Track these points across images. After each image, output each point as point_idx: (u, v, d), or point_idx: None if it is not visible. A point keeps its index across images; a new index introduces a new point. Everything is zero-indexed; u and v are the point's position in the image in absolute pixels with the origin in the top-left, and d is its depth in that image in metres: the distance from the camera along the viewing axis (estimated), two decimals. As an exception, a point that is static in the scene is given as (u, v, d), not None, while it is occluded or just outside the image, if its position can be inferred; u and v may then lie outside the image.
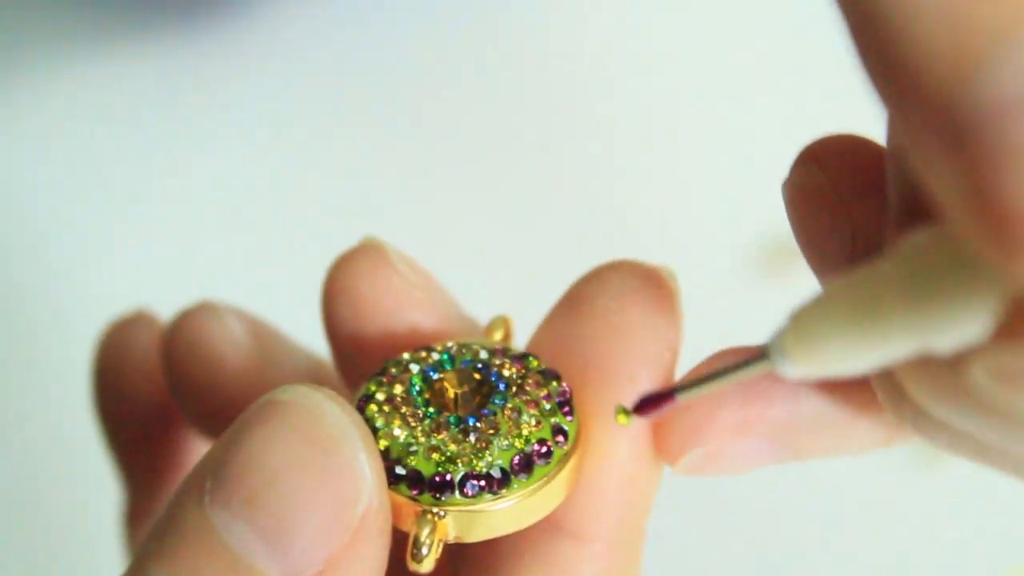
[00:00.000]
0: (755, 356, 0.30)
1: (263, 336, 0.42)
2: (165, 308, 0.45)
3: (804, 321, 0.29)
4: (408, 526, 0.33)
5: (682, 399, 0.32)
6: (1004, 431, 0.28)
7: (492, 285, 0.62)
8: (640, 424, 0.34)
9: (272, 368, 0.41)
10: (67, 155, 0.79)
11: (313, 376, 0.42)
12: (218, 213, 0.77)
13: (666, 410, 0.33)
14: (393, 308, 0.38)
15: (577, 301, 0.35)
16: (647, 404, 0.33)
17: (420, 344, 0.36)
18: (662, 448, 0.35)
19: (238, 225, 0.76)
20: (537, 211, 0.76)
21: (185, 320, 0.42)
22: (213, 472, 0.31)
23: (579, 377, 0.35)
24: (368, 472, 0.31)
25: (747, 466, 0.35)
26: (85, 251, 0.76)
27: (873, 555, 0.67)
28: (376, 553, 0.31)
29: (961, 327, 0.27)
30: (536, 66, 0.81)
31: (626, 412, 0.33)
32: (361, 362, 0.38)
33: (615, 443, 0.34)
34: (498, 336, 0.37)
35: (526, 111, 0.80)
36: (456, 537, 0.33)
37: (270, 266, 0.71)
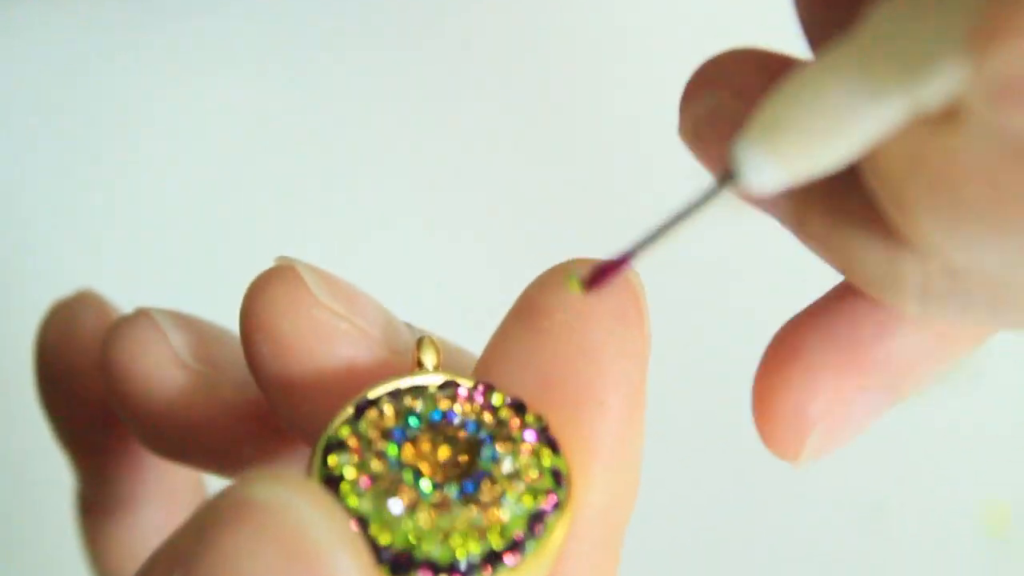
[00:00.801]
0: (714, 183, 0.28)
1: (208, 345, 0.38)
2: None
3: (773, 107, 0.26)
4: None
5: (641, 255, 0.30)
6: (1007, 232, 0.27)
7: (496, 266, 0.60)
8: (613, 447, 0.32)
9: (219, 388, 0.38)
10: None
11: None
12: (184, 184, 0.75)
13: (622, 275, 0.31)
14: (318, 347, 0.34)
15: (533, 315, 0.33)
16: (601, 274, 0.30)
17: (355, 383, 0.33)
18: (779, 448, 0.33)
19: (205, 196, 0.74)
20: (538, 190, 0.74)
21: (120, 334, 0.38)
22: (181, 566, 0.28)
23: (540, 404, 0.32)
24: None
25: (866, 424, 0.32)
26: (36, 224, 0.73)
27: (849, 493, 0.67)
28: None
29: (946, 59, 0.25)
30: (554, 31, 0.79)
31: (580, 283, 0.30)
32: (292, 407, 0.35)
33: (591, 476, 0.32)
34: (431, 361, 0.34)
35: (535, 77, 0.77)
36: None
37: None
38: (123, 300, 0.43)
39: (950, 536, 0.67)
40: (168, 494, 0.43)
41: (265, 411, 0.38)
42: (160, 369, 0.38)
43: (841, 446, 0.33)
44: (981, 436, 0.68)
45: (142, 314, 0.38)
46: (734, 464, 0.67)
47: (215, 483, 0.44)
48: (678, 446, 0.66)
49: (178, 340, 0.38)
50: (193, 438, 0.38)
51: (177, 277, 0.67)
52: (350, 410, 0.32)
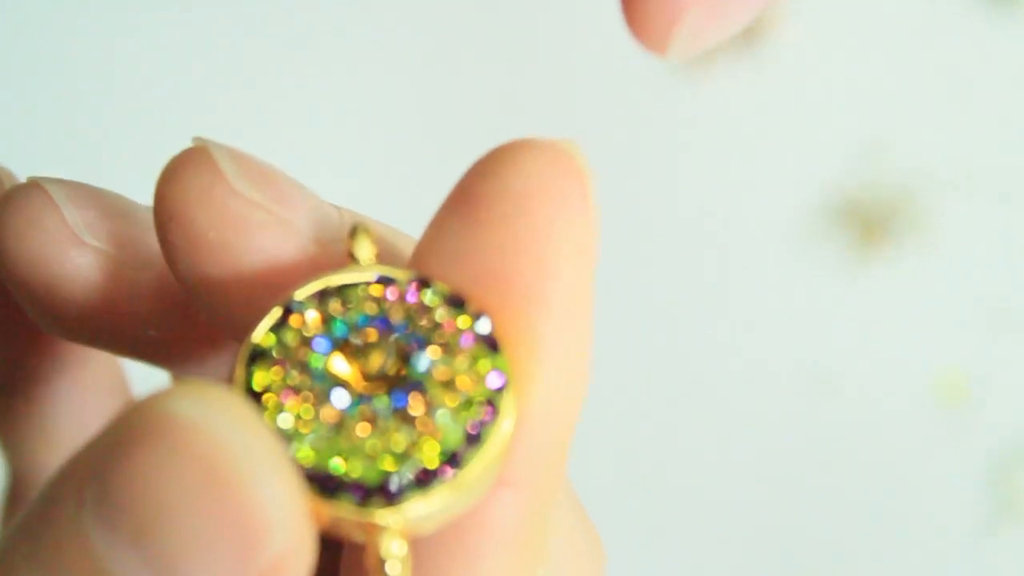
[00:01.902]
0: None
1: (112, 221, 0.35)
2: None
3: None
4: (355, 537, 0.28)
5: None
6: None
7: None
8: (558, 348, 0.30)
9: (124, 269, 0.34)
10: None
11: None
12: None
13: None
14: (236, 242, 0.31)
15: (471, 203, 0.30)
16: None
17: (280, 281, 0.30)
18: (647, 35, 0.30)
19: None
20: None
21: (7, 207, 0.34)
22: (96, 480, 0.26)
23: (479, 301, 0.30)
24: (282, 514, 0.26)
25: (744, 15, 0.30)
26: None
27: (804, 364, 0.66)
28: None
29: None
30: None
31: None
32: (212, 305, 0.32)
33: (536, 378, 0.30)
34: (365, 254, 0.31)
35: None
36: (412, 536, 0.28)
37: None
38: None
39: (903, 407, 0.66)
40: (83, 381, 0.41)
41: (185, 297, 0.35)
42: (52, 248, 0.34)
43: (714, 40, 0.30)
44: (934, 303, 0.67)
45: (33, 185, 0.34)
46: (679, 332, 0.66)
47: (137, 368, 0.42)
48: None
49: (75, 215, 0.34)
50: (97, 324, 0.35)
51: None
52: (276, 313, 0.29)
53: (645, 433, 0.65)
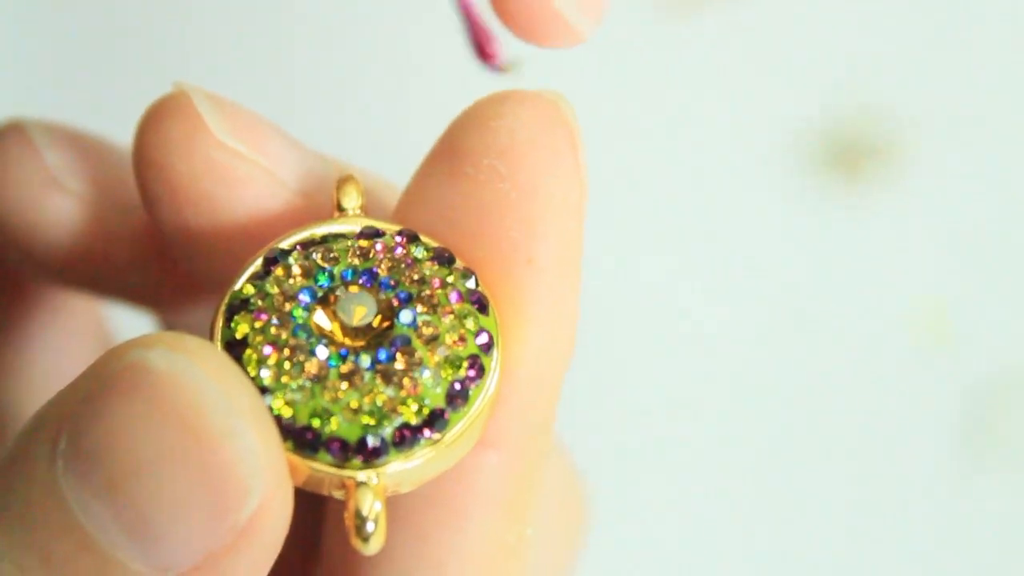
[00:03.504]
0: None
1: (94, 165, 0.34)
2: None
3: None
4: (333, 493, 0.28)
5: None
6: None
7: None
8: (545, 307, 0.29)
9: (105, 214, 0.34)
10: None
11: None
12: None
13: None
14: (217, 193, 0.30)
15: (457, 157, 0.29)
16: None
17: (262, 233, 0.30)
18: (524, 27, 0.29)
19: None
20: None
21: None
22: (69, 432, 0.25)
23: (466, 257, 0.29)
24: (260, 469, 0.25)
25: None
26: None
27: (782, 298, 0.65)
28: (268, 549, 0.26)
29: None
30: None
31: None
32: (192, 257, 0.31)
33: (523, 337, 0.29)
34: (352, 204, 0.30)
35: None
36: (391, 493, 0.28)
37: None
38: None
39: (882, 341, 0.66)
40: (63, 326, 0.40)
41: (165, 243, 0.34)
42: (32, 192, 0.33)
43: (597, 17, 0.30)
44: (914, 238, 0.67)
45: (13, 127, 0.34)
46: (657, 268, 0.66)
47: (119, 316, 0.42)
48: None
49: (55, 158, 0.34)
50: (77, 269, 0.35)
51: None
52: (258, 263, 0.29)
53: (626, 367, 0.65)
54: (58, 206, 0.34)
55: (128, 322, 0.40)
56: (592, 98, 0.65)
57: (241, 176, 0.30)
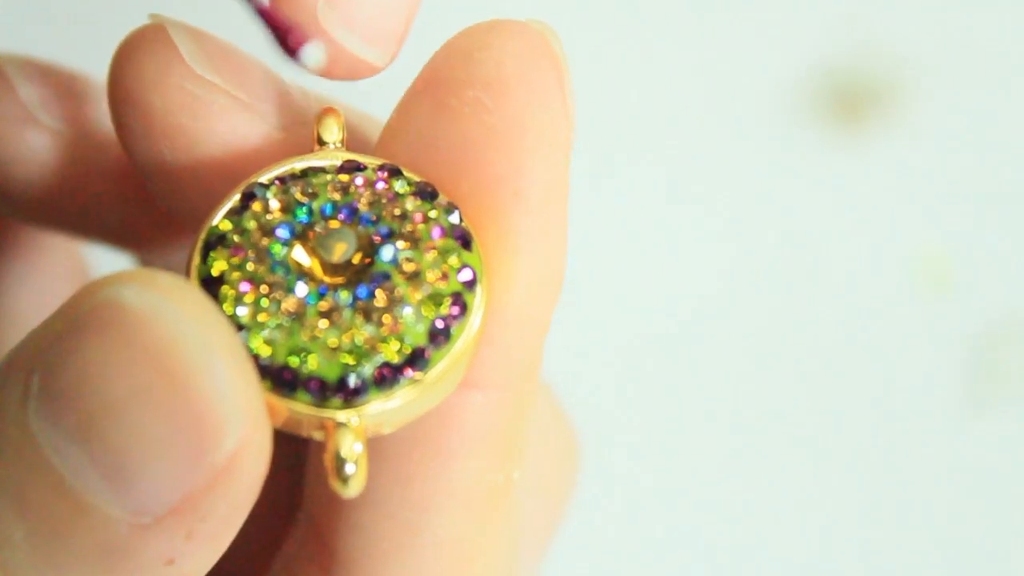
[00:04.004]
0: None
1: (70, 99, 0.34)
2: None
3: None
4: (313, 435, 0.27)
5: None
6: None
7: None
8: (531, 242, 0.28)
9: (81, 150, 0.33)
10: None
11: None
12: None
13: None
14: (194, 127, 0.29)
15: (441, 89, 0.28)
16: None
17: (241, 168, 0.29)
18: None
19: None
20: None
21: None
22: (41, 371, 0.25)
23: (451, 192, 0.28)
24: (237, 408, 0.25)
25: None
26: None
27: (785, 244, 0.65)
28: (247, 490, 0.25)
29: None
30: None
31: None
32: (169, 193, 0.31)
33: (508, 273, 0.28)
34: (332, 137, 0.29)
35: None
36: (373, 434, 0.27)
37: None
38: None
39: (886, 287, 0.65)
40: (41, 266, 0.39)
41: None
42: (6, 127, 0.33)
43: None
44: (918, 184, 0.66)
45: None
46: (659, 215, 0.65)
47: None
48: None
49: (30, 93, 0.33)
50: (54, 207, 0.34)
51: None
52: (236, 198, 0.28)
53: (621, 315, 0.64)
54: (33, 142, 0.33)
55: (107, 262, 0.39)
56: (588, 46, 0.65)
57: (218, 110, 0.29)
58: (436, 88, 0.29)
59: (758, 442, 0.64)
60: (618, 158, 0.65)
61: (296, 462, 0.33)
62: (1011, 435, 0.64)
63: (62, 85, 0.34)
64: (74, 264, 0.40)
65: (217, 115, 0.30)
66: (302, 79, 0.30)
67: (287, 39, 0.26)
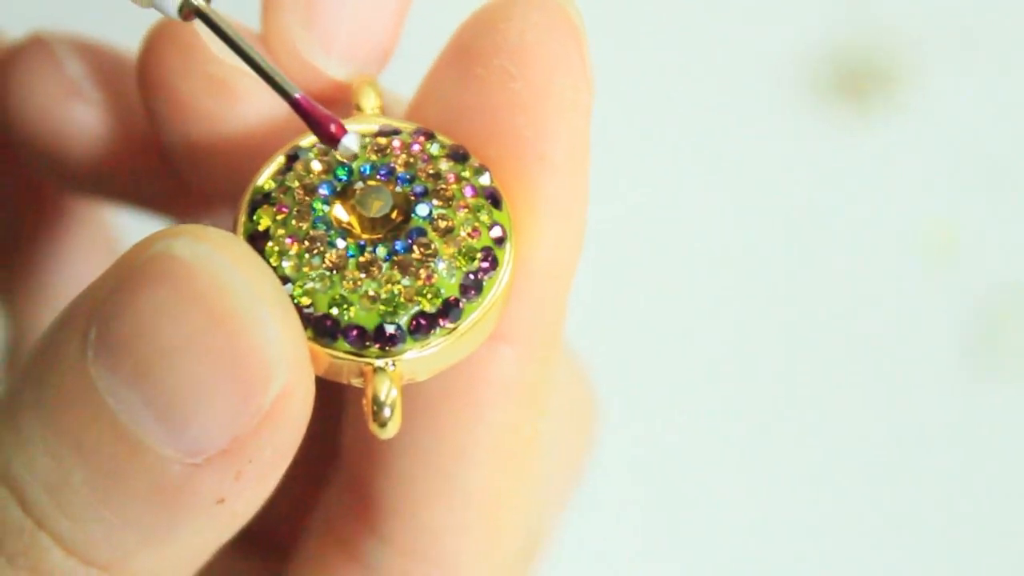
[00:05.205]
0: None
1: (112, 74, 0.35)
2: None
3: None
4: (352, 381, 0.28)
5: None
6: None
7: None
8: (556, 202, 0.30)
9: (124, 120, 0.35)
10: None
11: None
12: None
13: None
14: (219, 108, 0.31)
15: (468, 59, 0.30)
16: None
17: (272, 141, 0.30)
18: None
19: None
20: None
21: (12, 66, 0.35)
22: (98, 323, 0.26)
23: (480, 154, 0.30)
24: (283, 354, 0.26)
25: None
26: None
27: (792, 219, 0.66)
28: (292, 433, 0.27)
29: None
30: None
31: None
32: (203, 173, 0.32)
33: (535, 231, 0.30)
34: (369, 104, 0.31)
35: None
36: (408, 381, 0.28)
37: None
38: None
39: (891, 260, 0.66)
40: (80, 241, 0.41)
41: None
42: (56, 101, 0.34)
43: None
44: (922, 159, 0.67)
45: (35, 41, 0.35)
46: (668, 191, 0.66)
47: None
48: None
49: (76, 68, 0.35)
50: (100, 175, 0.35)
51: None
52: (280, 160, 0.29)
53: (638, 289, 0.65)
54: (80, 114, 0.35)
55: (136, 231, 0.40)
56: (596, 30, 0.66)
57: (241, 91, 0.31)
58: (463, 57, 0.30)
59: (762, 406, 0.65)
60: (626, 139, 0.66)
61: (334, 416, 0.34)
62: (1011, 401, 0.65)
63: (104, 60, 0.35)
64: (107, 232, 0.42)
65: (240, 95, 0.31)
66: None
67: (325, 129, 0.28)
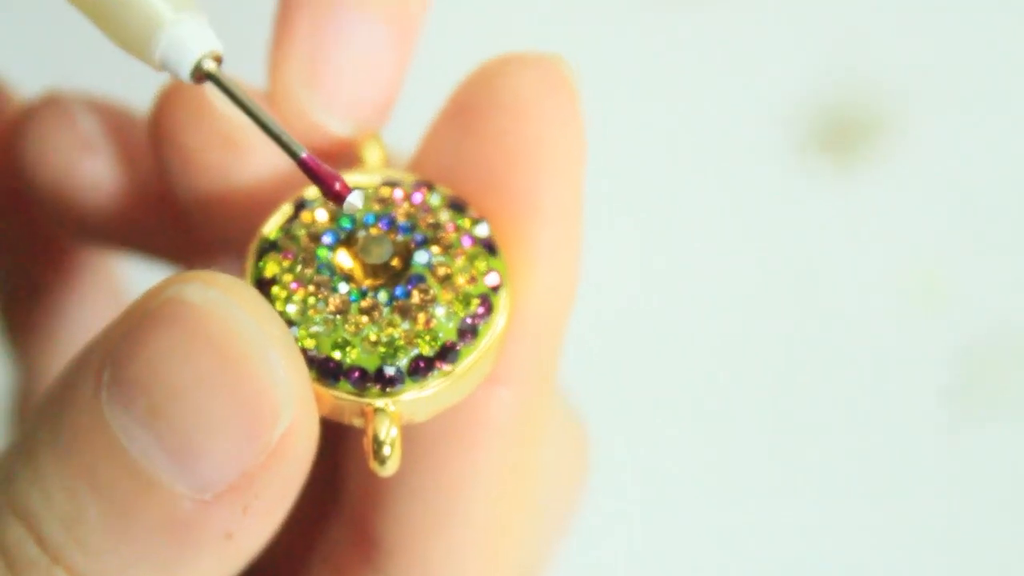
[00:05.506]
0: None
1: (121, 130, 0.37)
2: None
3: None
4: (354, 421, 0.30)
5: None
6: None
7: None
8: (550, 252, 0.31)
9: (138, 177, 0.36)
10: None
11: None
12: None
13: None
14: (227, 161, 0.33)
15: (468, 115, 0.31)
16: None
17: (278, 193, 0.32)
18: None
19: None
20: None
21: (29, 124, 0.36)
22: (112, 364, 0.27)
23: (478, 205, 0.31)
24: (289, 393, 0.27)
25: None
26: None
27: (781, 268, 0.67)
28: (297, 469, 0.28)
29: None
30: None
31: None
32: (211, 224, 0.34)
33: (530, 279, 0.31)
34: (374, 156, 0.33)
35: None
36: (407, 421, 0.30)
37: None
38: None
39: (878, 307, 0.67)
40: (90, 289, 0.42)
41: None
42: (70, 156, 0.36)
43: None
44: (909, 209, 0.68)
45: (51, 98, 0.37)
46: (661, 242, 0.67)
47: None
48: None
49: (88, 124, 0.36)
50: (111, 227, 0.37)
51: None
52: (287, 209, 0.31)
53: (635, 335, 0.66)
54: (92, 168, 0.36)
55: (143, 279, 0.42)
56: (590, 83, 0.67)
57: (248, 146, 0.33)
58: (463, 114, 0.32)
59: (751, 450, 0.66)
60: (618, 192, 0.67)
61: (335, 457, 0.35)
62: (996, 445, 0.65)
63: (114, 116, 0.37)
64: (115, 281, 0.43)
65: (247, 151, 0.33)
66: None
67: (330, 187, 0.29)
